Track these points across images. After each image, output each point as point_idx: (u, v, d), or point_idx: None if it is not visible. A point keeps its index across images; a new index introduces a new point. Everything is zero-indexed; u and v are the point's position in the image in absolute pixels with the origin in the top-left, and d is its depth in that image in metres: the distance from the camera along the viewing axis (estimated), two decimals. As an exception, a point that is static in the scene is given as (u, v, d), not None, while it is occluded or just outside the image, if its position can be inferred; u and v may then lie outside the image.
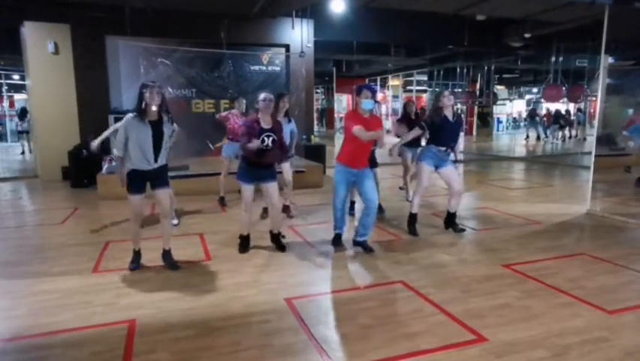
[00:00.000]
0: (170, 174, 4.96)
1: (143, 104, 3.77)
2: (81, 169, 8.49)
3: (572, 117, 20.55)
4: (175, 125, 4.18)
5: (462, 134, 6.06)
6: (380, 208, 6.24)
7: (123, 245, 4.92)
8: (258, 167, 4.41)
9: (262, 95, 4.39)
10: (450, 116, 5.12)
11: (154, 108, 3.79)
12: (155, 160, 3.91)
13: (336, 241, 4.82)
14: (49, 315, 3.27)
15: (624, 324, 3.15)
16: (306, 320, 3.18)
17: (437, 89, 22.01)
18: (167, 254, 4.23)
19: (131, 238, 4.19)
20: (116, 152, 3.99)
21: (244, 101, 6.80)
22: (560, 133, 19.51)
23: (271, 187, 4.53)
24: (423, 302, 3.48)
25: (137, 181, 3.94)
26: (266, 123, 4.39)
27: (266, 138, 4.32)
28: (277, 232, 4.81)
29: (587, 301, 3.49)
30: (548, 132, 19.81)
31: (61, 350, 2.83)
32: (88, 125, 8.97)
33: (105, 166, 7.72)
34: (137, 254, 4.20)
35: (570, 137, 19.82)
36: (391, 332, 3.05)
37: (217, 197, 6.95)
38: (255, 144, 4.26)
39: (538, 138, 20.47)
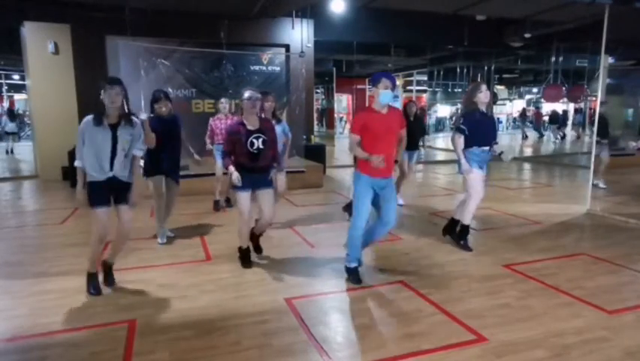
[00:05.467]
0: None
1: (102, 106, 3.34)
2: (81, 169, 8.47)
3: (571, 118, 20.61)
4: (143, 115, 3.79)
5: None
6: None
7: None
8: (252, 172, 4.03)
9: (247, 94, 3.95)
10: (485, 111, 4.55)
11: (113, 110, 3.37)
12: (111, 168, 3.43)
13: (355, 276, 3.86)
14: (49, 315, 3.27)
15: (624, 324, 3.15)
16: (306, 320, 3.18)
17: (437, 89, 22.07)
18: (109, 267, 3.81)
19: (90, 257, 3.62)
20: (76, 162, 3.45)
21: (224, 101, 6.49)
22: (554, 133, 19.57)
23: (266, 194, 4.15)
24: (423, 302, 3.48)
25: (99, 191, 3.44)
26: (252, 124, 4.00)
27: (255, 141, 3.96)
28: (259, 233, 4.50)
29: (587, 301, 3.49)
30: (545, 132, 19.89)
31: (61, 350, 2.83)
32: (88, 125, 8.98)
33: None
34: (93, 276, 3.67)
35: (564, 137, 19.85)
36: (391, 332, 3.05)
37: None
38: (234, 175, 3.94)
39: (525, 137, 20.60)
